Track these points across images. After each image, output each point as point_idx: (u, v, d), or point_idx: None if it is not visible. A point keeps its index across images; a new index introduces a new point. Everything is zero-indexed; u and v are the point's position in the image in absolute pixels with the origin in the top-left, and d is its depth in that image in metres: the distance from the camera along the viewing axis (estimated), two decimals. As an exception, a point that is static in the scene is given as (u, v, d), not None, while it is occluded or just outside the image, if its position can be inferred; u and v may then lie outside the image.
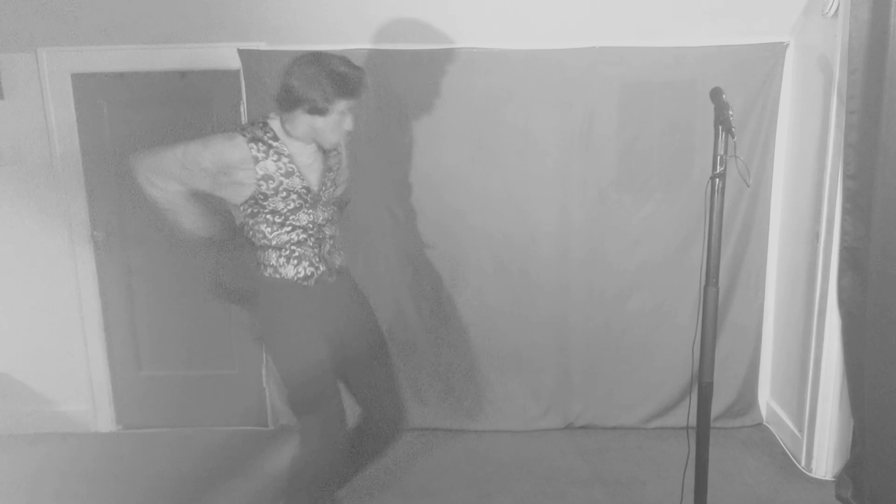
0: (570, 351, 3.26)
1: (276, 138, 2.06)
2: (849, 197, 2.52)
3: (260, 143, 2.04)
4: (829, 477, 2.80)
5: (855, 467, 2.62)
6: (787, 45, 2.98)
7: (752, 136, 3.04)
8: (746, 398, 3.30)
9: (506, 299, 3.20)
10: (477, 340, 3.26)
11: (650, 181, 3.10)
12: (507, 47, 2.98)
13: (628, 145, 3.07)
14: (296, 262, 2.10)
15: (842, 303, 2.61)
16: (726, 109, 1.83)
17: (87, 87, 3.12)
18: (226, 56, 3.02)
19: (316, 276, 2.13)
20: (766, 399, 3.35)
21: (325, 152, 2.16)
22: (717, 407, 3.19)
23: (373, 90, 2.99)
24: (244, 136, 2.04)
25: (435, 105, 3.05)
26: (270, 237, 2.09)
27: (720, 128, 1.84)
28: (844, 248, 2.56)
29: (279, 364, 2.18)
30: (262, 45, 3.01)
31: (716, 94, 1.88)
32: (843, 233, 2.56)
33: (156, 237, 3.26)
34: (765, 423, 3.32)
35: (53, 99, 3.10)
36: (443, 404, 3.30)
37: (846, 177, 2.51)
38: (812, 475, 2.83)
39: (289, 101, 2.01)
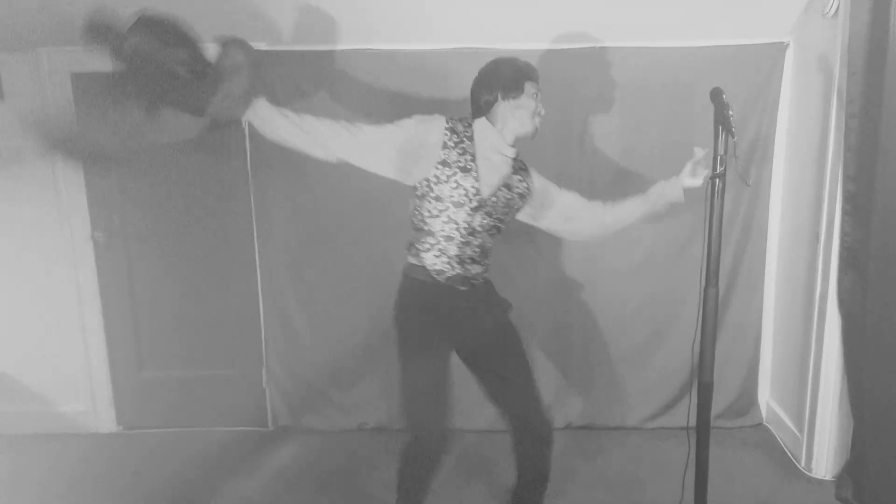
0: (570, 351, 3.26)
1: (471, 136, 2.17)
2: (849, 198, 2.52)
3: (455, 135, 2.16)
4: (828, 477, 2.80)
5: (855, 467, 2.62)
6: (787, 45, 2.99)
7: (752, 137, 3.04)
8: (746, 398, 3.31)
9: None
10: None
11: (650, 181, 3.09)
12: (506, 47, 2.97)
13: (628, 145, 3.07)
14: (437, 253, 2.17)
15: (842, 303, 2.61)
16: (726, 109, 1.83)
17: (87, 87, 3.11)
18: (226, 56, 3.01)
19: (448, 273, 2.18)
20: (766, 399, 3.35)
21: (513, 169, 2.22)
22: (717, 407, 3.19)
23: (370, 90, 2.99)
24: (447, 122, 2.17)
25: (433, 107, 3.05)
26: (427, 221, 2.17)
27: (720, 128, 1.84)
28: (844, 249, 2.56)
29: (400, 354, 2.25)
30: (262, 45, 3.01)
31: (716, 94, 1.88)
32: (843, 234, 2.56)
33: (156, 237, 3.27)
34: (765, 423, 3.32)
35: (53, 99, 3.10)
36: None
37: (846, 178, 2.51)
38: (812, 475, 2.83)
39: (483, 103, 2.18)
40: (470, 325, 2.23)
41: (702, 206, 1.95)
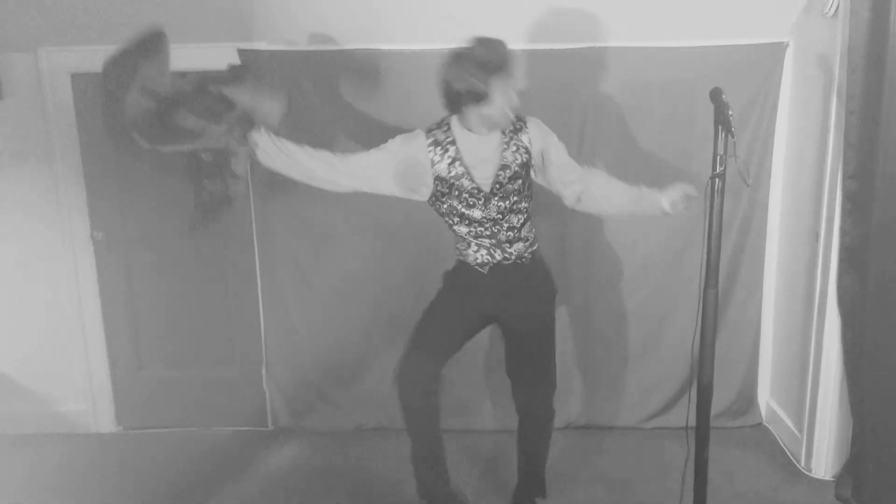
0: (570, 351, 3.26)
1: (453, 142, 2.20)
2: (849, 197, 2.52)
3: (438, 147, 2.21)
4: (828, 477, 2.80)
5: (855, 467, 2.62)
6: (787, 45, 2.98)
7: (751, 136, 3.04)
8: (746, 398, 3.30)
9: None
10: (476, 340, 3.25)
11: (650, 181, 3.09)
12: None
13: (628, 145, 3.07)
14: (475, 248, 2.29)
15: (842, 302, 2.61)
16: (726, 109, 1.83)
17: (87, 87, 3.11)
18: (226, 56, 3.01)
19: (492, 263, 2.28)
20: (766, 399, 3.35)
21: (505, 143, 2.21)
22: (716, 406, 3.18)
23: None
24: (427, 138, 2.23)
25: (435, 108, 3.04)
26: (453, 228, 2.31)
27: (720, 128, 1.84)
28: (844, 248, 2.56)
29: (427, 309, 2.40)
30: (262, 45, 3.01)
31: (716, 94, 1.88)
32: (843, 232, 2.56)
33: (156, 237, 3.27)
34: (764, 422, 3.32)
35: (53, 99, 3.10)
36: (442, 404, 3.30)
37: (846, 176, 2.51)
38: (812, 475, 2.83)
39: (453, 101, 2.13)
40: (512, 300, 2.33)
41: (701, 205, 1.95)
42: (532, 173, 2.31)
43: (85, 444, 3.30)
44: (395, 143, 2.25)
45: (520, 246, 2.30)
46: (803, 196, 2.91)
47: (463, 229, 2.28)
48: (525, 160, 2.24)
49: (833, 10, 2.58)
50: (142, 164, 3.20)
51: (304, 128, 3.07)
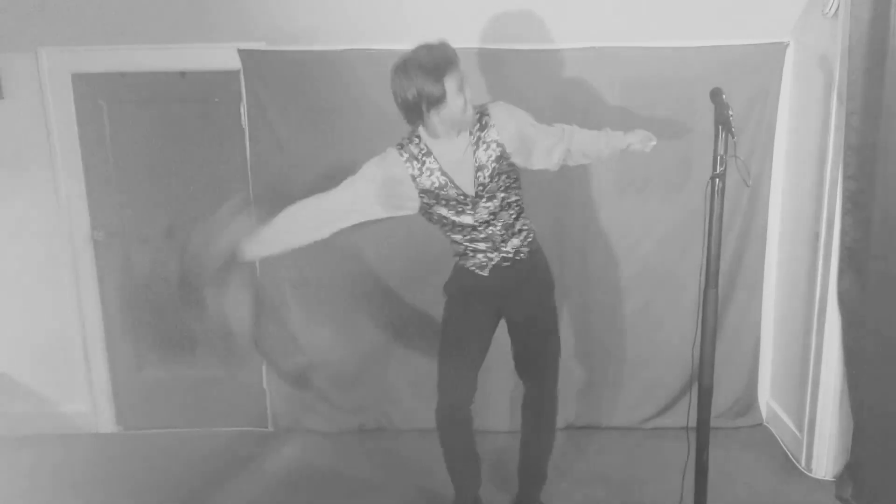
0: (570, 351, 3.26)
1: (428, 153, 2.16)
2: (849, 197, 2.52)
3: (415, 161, 2.17)
4: (829, 477, 2.80)
5: (855, 467, 2.62)
6: (787, 45, 2.98)
7: (751, 137, 3.04)
8: (746, 398, 3.30)
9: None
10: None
11: (650, 181, 3.10)
12: (506, 47, 2.98)
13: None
14: (472, 254, 2.28)
15: (842, 303, 2.61)
16: (726, 109, 1.83)
17: (87, 87, 3.11)
18: (226, 56, 3.02)
19: (490, 265, 2.28)
20: (766, 399, 3.35)
21: (475, 145, 2.17)
22: (717, 407, 3.18)
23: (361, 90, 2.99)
24: (401, 154, 2.18)
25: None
26: (449, 236, 2.29)
27: (720, 128, 1.84)
28: (844, 249, 2.56)
29: (443, 325, 2.40)
30: (262, 45, 3.01)
31: (716, 94, 1.88)
32: (843, 233, 2.56)
33: (156, 237, 3.27)
34: (765, 423, 3.32)
35: (53, 99, 3.10)
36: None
37: (846, 177, 2.51)
38: (812, 475, 2.83)
39: (411, 111, 2.07)
40: (515, 296, 2.35)
41: (702, 205, 1.95)
42: (517, 161, 2.23)
43: (85, 444, 3.30)
44: (370, 168, 2.18)
45: (515, 241, 2.28)
46: (803, 196, 2.91)
47: (458, 236, 2.26)
48: (499, 154, 2.17)
49: (833, 10, 2.58)
50: (142, 164, 3.20)
51: (304, 127, 3.08)
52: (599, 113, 3.04)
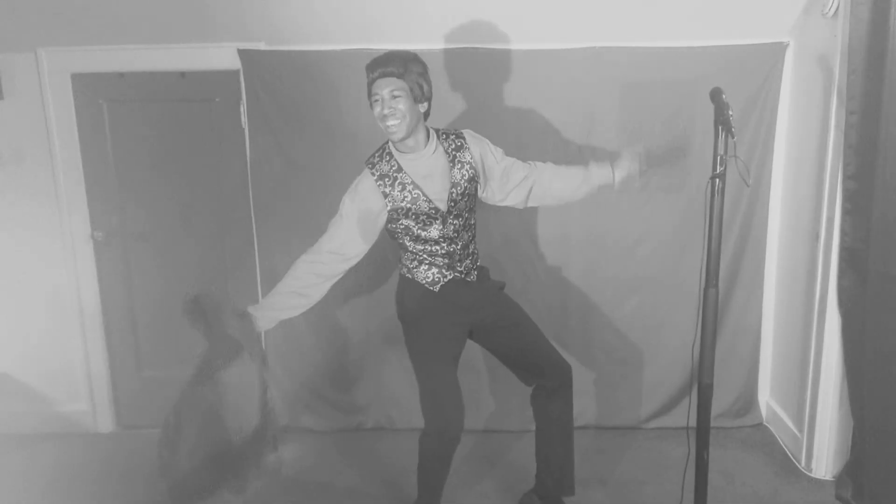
0: (570, 351, 3.26)
1: (399, 168, 2.17)
2: (848, 197, 2.52)
3: (387, 179, 2.17)
4: (828, 477, 2.80)
5: (855, 467, 2.62)
6: (787, 45, 2.98)
7: (751, 137, 3.04)
8: (746, 398, 3.31)
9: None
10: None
11: (650, 181, 3.10)
12: (506, 47, 2.98)
13: (628, 145, 3.07)
14: (426, 267, 2.25)
15: (841, 303, 2.61)
16: (726, 109, 1.83)
17: (87, 87, 3.12)
18: (226, 56, 3.02)
19: (443, 282, 2.25)
20: (766, 399, 3.35)
21: (451, 164, 2.20)
22: (717, 407, 3.19)
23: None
24: (372, 174, 2.18)
25: (433, 105, 3.04)
26: (407, 245, 2.25)
27: (720, 128, 1.84)
28: (844, 249, 2.56)
29: (410, 355, 2.32)
30: (262, 45, 3.01)
31: (716, 95, 1.88)
32: (843, 233, 2.56)
33: (156, 237, 3.27)
34: (765, 423, 3.32)
35: (53, 99, 3.10)
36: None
37: (846, 177, 2.51)
38: (812, 475, 2.83)
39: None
40: (474, 312, 2.31)
41: (701, 205, 1.95)
42: (479, 188, 2.30)
43: (85, 444, 3.30)
44: (346, 206, 2.20)
45: (468, 263, 2.30)
46: (803, 196, 2.91)
47: (419, 247, 2.23)
48: (471, 175, 2.24)
49: (833, 10, 2.58)
50: (142, 164, 3.20)
51: (304, 127, 3.08)
52: (599, 113, 3.04)
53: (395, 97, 2.06)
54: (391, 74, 2.07)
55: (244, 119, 3.10)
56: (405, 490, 2.79)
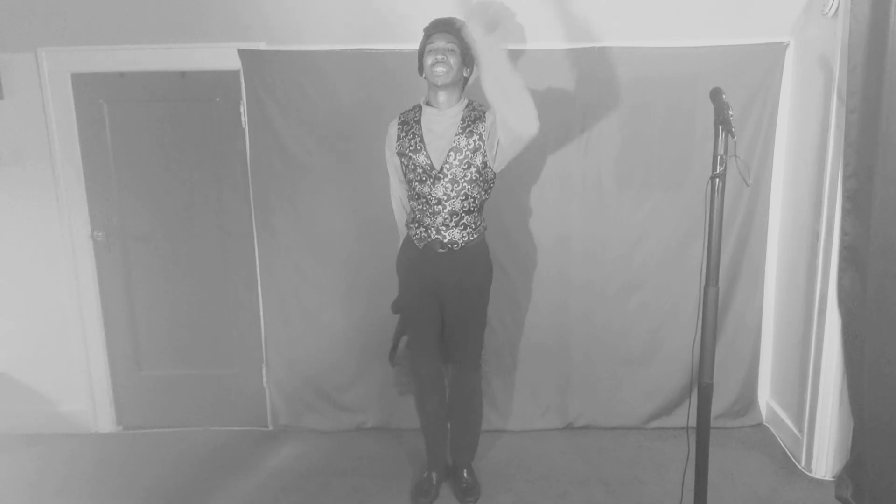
0: (570, 351, 3.26)
1: (418, 120, 2.42)
2: (849, 196, 2.52)
3: (405, 125, 2.46)
4: (828, 477, 2.80)
5: (855, 467, 2.62)
6: (787, 44, 2.98)
7: (751, 136, 3.04)
8: (746, 398, 3.31)
9: (504, 299, 3.20)
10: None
11: (650, 181, 3.10)
12: (506, 47, 2.98)
13: (628, 145, 3.07)
14: (416, 225, 2.50)
15: (842, 302, 2.61)
16: (726, 109, 1.83)
17: (87, 87, 3.12)
18: (226, 56, 3.02)
19: (425, 241, 2.47)
20: (766, 399, 3.35)
21: (461, 129, 2.37)
22: (717, 407, 3.19)
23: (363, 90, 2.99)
24: (398, 119, 2.51)
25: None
26: (413, 204, 2.52)
27: (720, 128, 1.84)
28: (844, 248, 2.56)
29: (392, 302, 2.72)
30: (262, 45, 3.01)
31: (716, 94, 1.88)
32: (843, 232, 2.56)
33: (156, 237, 3.27)
34: (765, 423, 3.32)
35: (53, 99, 3.10)
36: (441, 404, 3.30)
37: (846, 176, 2.51)
38: (812, 475, 2.83)
39: (420, 69, 2.42)
40: (446, 282, 2.49)
41: (701, 205, 1.95)
42: (490, 161, 2.39)
43: (85, 444, 3.30)
44: (386, 154, 2.56)
45: (455, 233, 2.43)
46: (803, 196, 2.91)
47: (416, 204, 2.48)
48: (477, 146, 2.36)
49: (833, 9, 2.58)
50: (142, 164, 3.20)
51: (304, 127, 3.08)
52: (600, 113, 3.04)
53: (450, 50, 2.32)
54: (449, 31, 2.35)
55: (244, 119, 3.10)
56: (405, 490, 2.79)
